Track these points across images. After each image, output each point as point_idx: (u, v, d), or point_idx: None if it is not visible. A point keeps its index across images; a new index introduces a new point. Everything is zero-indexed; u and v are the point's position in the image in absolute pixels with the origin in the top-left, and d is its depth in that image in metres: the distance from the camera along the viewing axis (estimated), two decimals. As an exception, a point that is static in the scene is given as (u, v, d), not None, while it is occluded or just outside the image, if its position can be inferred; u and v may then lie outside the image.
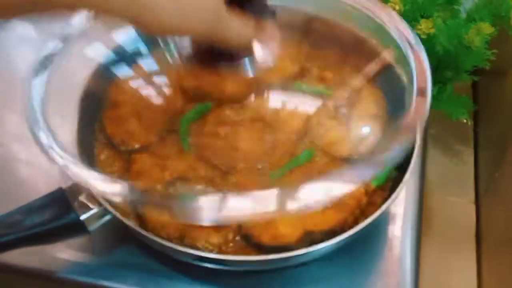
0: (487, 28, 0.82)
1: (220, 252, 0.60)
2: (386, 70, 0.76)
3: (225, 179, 0.67)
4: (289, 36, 0.86)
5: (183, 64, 0.79)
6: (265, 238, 0.60)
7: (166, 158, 0.68)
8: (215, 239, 0.60)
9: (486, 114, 1.20)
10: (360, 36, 0.80)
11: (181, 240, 0.60)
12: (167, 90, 0.77)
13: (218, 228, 0.62)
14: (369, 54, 0.78)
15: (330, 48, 0.84)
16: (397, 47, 0.65)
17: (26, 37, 0.98)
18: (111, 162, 0.68)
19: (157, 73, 0.79)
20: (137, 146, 0.69)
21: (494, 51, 0.91)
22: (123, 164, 0.68)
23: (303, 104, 0.75)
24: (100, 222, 0.60)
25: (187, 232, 0.60)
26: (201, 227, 0.63)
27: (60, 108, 0.82)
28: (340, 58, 0.83)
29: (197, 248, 0.60)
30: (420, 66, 0.61)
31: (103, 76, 0.74)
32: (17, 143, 0.81)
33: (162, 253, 0.60)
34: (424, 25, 0.85)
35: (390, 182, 0.68)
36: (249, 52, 0.53)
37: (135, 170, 0.66)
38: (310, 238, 0.60)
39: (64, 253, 0.66)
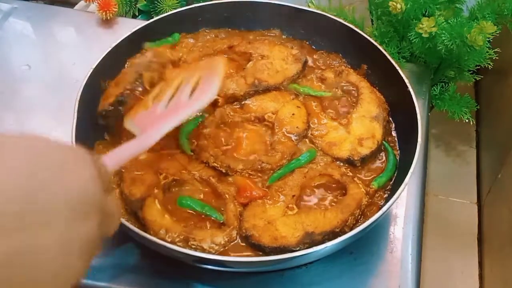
0: (489, 27, 0.81)
1: (222, 253, 0.60)
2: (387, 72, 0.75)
3: (221, 179, 0.66)
4: (291, 36, 0.86)
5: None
6: (266, 240, 0.60)
7: (161, 161, 0.67)
8: (220, 238, 0.60)
9: (488, 113, 1.20)
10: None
11: (186, 243, 0.59)
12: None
13: (222, 227, 0.62)
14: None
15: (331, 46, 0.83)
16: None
17: (24, 37, 0.98)
18: None
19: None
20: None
21: (497, 50, 0.90)
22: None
23: (303, 105, 0.75)
24: (99, 223, 0.60)
25: (192, 234, 0.59)
26: (204, 227, 0.62)
27: (58, 108, 0.82)
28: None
29: (203, 249, 0.59)
30: None
31: (102, 77, 0.74)
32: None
33: (162, 254, 0.60)
34: (426, 24, 0.84)
35: (391, 183, 0.68)
36: None
37: (128, 178, 0.64)
38: (310, 239, 0.59)
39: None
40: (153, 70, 0.68)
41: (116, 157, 0.46)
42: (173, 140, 0.70)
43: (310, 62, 0.81)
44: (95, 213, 0.33)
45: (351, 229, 0.61)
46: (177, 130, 0.71)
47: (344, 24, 0.81)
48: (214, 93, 0.58)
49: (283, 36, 0.86)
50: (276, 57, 0.78)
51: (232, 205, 0.63)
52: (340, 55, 0.82)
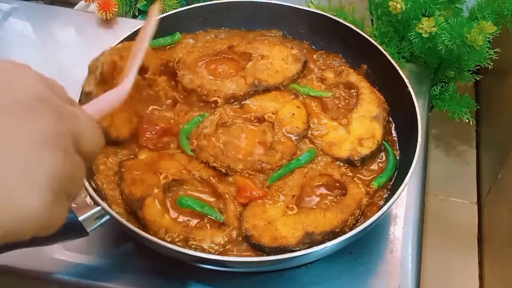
0: (489, 27, 0.81)
1: (222, 253, 0.60)
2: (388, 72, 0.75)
3: (221, 179, 0.66)
4: (291, 35, 0.86)
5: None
6: (266, 239, 0.60)
7: (161, 161, 0.67)
8: (220, 238, 0.60)
9: (488, 113, 1.20)
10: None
11: (186, 243, 0.59)
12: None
13: (222, 227, 0.62)
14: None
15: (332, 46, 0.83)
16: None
17: (24, 37, 0.98)
18: (107, 170, 0.67)
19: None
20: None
21: (497, 50, 0.90)
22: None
23: (303, 105, 0.75)
24: (99, 223, 0.60)
25: (191, 234, 0.59)
26: (204, 227, 0.62)
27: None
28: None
29: (203, 249, 0.59)
30: None
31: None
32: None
33: (161, 254, 0.60)
34: (426, 24, 0.84)
35: (391, 183, 0.68)
36: None
37: (129, 178, 0.64)
38: (310, 239, 0.59)
39: (62, 255, 0.66)
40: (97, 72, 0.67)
41: (94, 106, 0.45)
42: (174, 140, 0.70)
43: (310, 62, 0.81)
44: (45, 108, 0.32)
45: (351, 229, 0.61)
46: (177, 129, 0.71)
47: (344, 24, 0.81)
48: (155, 19, 0.60)
49: (282, 36, 0.86)
50: (276, 57, 0.78)
51: (232, 205, 0.63)
52: (340, 55, 0.82)
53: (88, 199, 0.60)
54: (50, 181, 0.30)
